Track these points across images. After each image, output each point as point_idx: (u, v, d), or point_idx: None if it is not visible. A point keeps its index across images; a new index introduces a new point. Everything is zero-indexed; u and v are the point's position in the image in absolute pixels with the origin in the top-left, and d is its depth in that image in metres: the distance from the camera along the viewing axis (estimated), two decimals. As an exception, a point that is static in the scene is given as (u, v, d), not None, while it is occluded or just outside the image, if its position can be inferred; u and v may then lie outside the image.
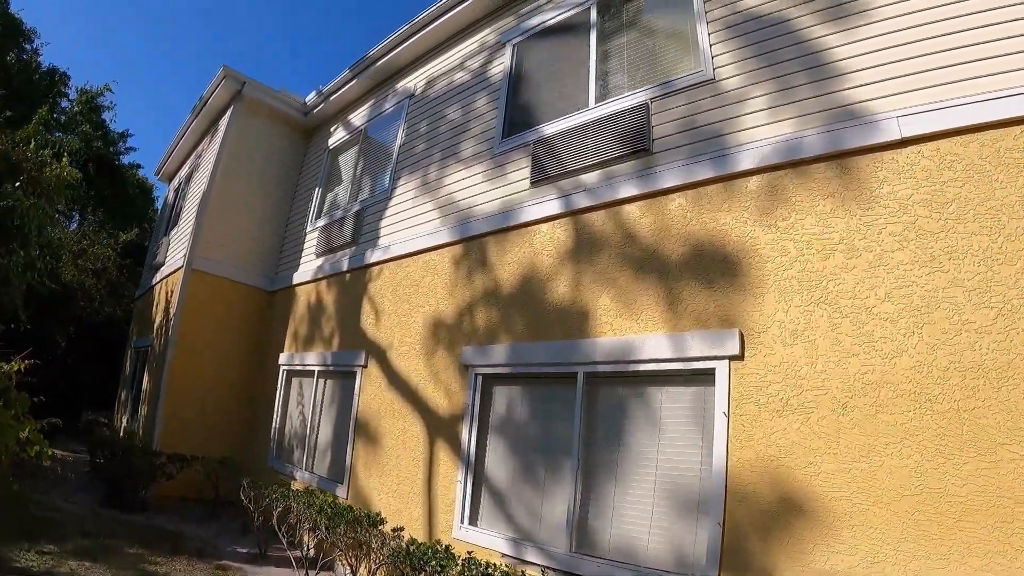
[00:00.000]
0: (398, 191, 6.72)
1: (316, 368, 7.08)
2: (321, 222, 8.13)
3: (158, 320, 8.92)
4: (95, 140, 15.19)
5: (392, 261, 6.32)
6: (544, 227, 4.77)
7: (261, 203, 9.04)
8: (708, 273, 3.70)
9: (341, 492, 5.96)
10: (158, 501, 7.10)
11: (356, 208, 7.39)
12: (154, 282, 9.97)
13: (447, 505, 4.75)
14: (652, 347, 3.74)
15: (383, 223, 6.75)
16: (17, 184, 6.43)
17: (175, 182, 11.75)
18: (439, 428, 5.08)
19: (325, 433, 6.71)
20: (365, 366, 6.20)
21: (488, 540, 4.32)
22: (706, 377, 3.53)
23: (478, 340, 4.97)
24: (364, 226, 7.09)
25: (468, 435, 4.76)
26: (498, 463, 4.59)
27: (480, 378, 4.85)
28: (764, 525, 3.08)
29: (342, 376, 6.67)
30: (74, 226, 16.57)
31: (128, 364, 10.86)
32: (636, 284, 4.02)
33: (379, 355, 6.06)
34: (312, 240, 8.17)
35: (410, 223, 6.29)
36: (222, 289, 8.40)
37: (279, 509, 5.58)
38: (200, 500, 7.38)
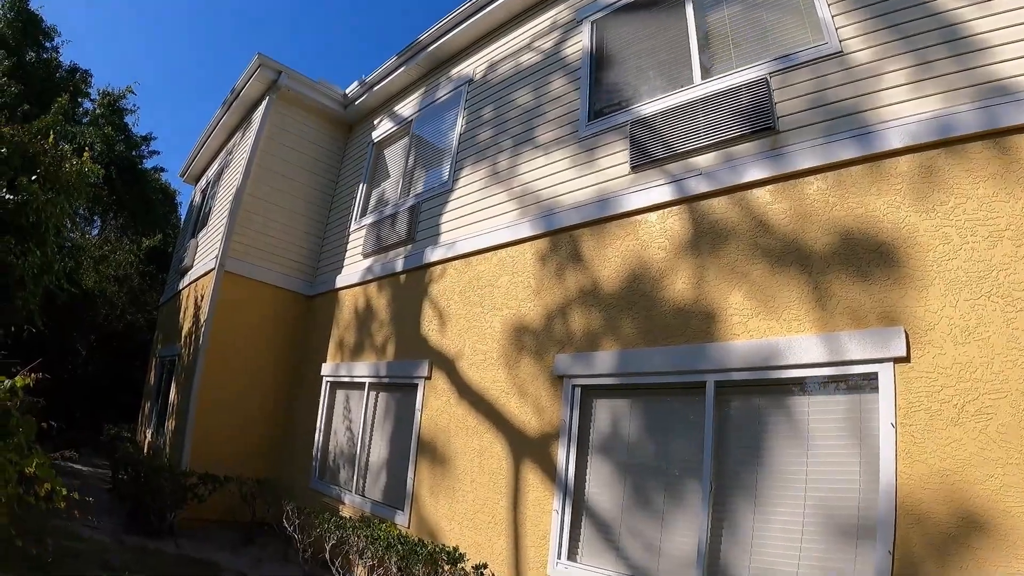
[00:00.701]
0: (461, 183, 6.66)
1: (367, 380, 6.98)
2: (368, 220, 8.09)
3: (186, 327, 8.93)
4: (117, 143, 15.50)
5: (458, 259, 6.23)
6: (652, 216, 4.63)
7: (298, 201, 9.05)
8: (860, 265, 3.55)
9: (401, 519, 5.82)
10: (187, 524, 7.01)
11: (410, 203, 7.34)
12: (181, 287, 10.02)
13: (539, 537, 4.58)
14: (799, 350, 3.57)
15: (444, 218, 6.68)
16: (34, 178, 6.41)
17: (202, 182, 11.88)
18: (526, 448, 4.92)
19: (378, 452, 6.59)
20: (428, 377, 6.09)
21: (594, 576, 4.15)
22: (866, 383, 3.36)
23: (574, 347, 4.82)
24: (420, 222, 7.03)
25: (564, 456, 4.59)
26: (602, 488, 4.42)
27: (578, 390, 4.69)
28: (941, 549, 2.92)
29: (399, 388, 6.56)
30: (96, 232, 16.93)
31: (152, 374, 10.91)
32: (774, 279, 3.86)
33: (446, 365, 5.95)
34: (357, 239, 8.13)
35: (478, 217, 6.20)
36: (257, 293, 8.38)
37: (333, 540, 5.46)
38: (232, 523, 7.29)
